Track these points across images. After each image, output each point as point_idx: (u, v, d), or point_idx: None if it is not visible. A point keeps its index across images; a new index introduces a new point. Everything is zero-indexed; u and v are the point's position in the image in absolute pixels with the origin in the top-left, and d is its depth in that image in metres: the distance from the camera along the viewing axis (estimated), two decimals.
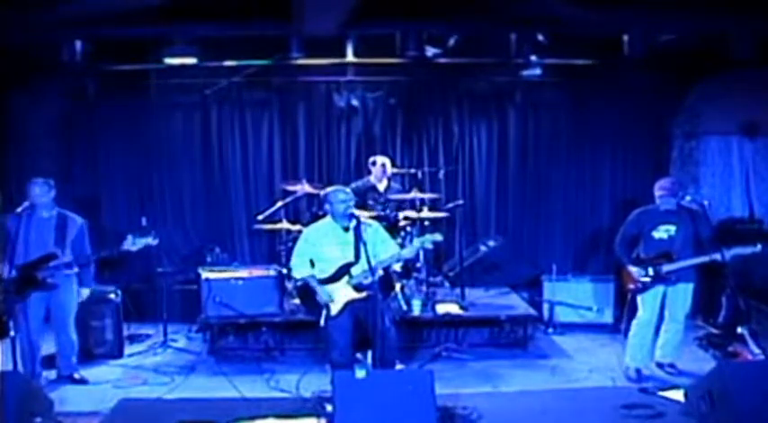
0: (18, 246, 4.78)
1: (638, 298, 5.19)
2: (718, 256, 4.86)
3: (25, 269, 4.76)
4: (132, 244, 4.94)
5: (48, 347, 5.28)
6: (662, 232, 5.10)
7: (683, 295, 5.11)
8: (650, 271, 5.06)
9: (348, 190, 4.77)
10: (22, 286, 4.73)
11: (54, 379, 5.14)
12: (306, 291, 4.84)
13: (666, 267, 5.02)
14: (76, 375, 5.14)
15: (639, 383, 5.03)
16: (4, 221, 4.85)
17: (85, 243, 5.09)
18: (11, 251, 4.73)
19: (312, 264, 4.81)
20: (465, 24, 6.12)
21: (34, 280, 4.78)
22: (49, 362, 5.27)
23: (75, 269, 5.02)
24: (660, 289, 5.10)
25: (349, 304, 4.68)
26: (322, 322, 4.72)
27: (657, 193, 5.12)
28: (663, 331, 5.22)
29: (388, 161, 6.86)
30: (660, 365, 5.27)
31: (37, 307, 4.89)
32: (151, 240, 5.00)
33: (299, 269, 4.78)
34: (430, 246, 4.88)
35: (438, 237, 4.79)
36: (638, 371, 5.16)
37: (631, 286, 5.21)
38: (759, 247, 4.87)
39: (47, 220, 4.96)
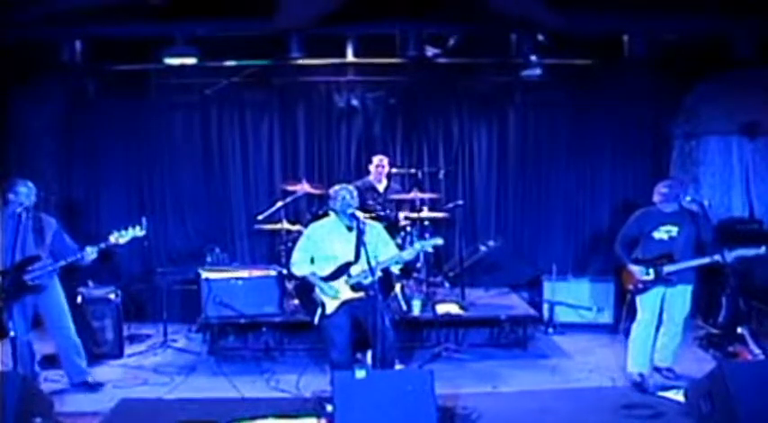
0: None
1: (638, 299, 5.13)
2: (719, 258, 4.81)
3: (11, 273, 4.67)
4: (120, 237, 4.86)
5: (46, 348, 5.28)
6: (662, 233, 5.06)
7: (681, 297, 5.06)
8: (651, 271, 5.04)
9: (352, 189, 4.73)
10: (12, 291, 4.63)
11: (65, 385, 5.06)
12: (303, 289, 4.82)
13: (668, 268, 4.97)
14: (90, 379, 5.05)
15: (642, 385, 5.00)
16: None
17: (67, 240, 4.97)
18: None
19: (312, 261, 4.80)
20: (465, 24, 6.13)
21: (21, 284, 4.68)
22: (48, 362, 5.27)
23: (58, 265, 4.86)
24: (660, 290, 5.04)
25: (346, 303, 4.67)
26: (316, 320, 4.70)
27: (655, 197, 5.09)
28: (661, 334, 5.14)
29: (385, 161, 6.86)
30: (658, 370, 5.19)
31: (26, 310, 4.80)
32: (138, 232, 4.91)
33: (300, 266, 4.76)
34: (430, 249, 4.88)
35: (439, 241, 4.77)
36: (641, 375, 5.10)
37: (630, 287, 5.16)
38: (763, 248, 4.81)
39: (24, 221, 4.80)
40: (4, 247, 4.71)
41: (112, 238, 4.86)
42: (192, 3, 5.61)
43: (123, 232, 4.88)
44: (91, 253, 4.84)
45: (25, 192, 4.82)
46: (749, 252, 4.84)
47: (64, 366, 5.07)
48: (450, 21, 6.01)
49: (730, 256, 4.79)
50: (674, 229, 5.03)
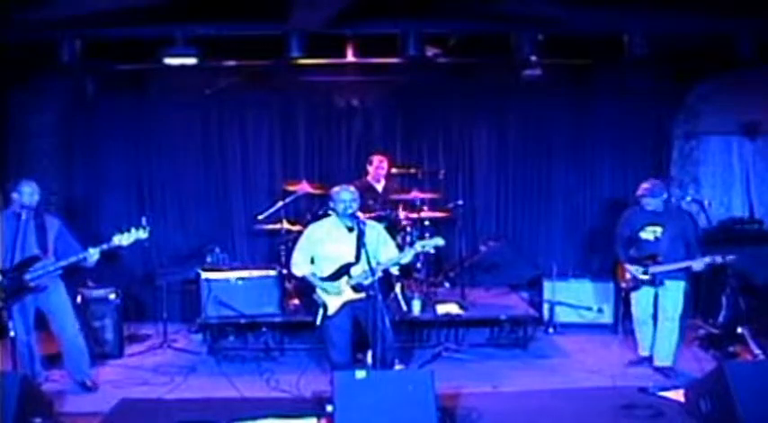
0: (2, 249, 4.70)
1: (632, 296, 5.29)
2: (693, 264, 4.95)
3: (11, 273, 4.65)
4: (123, 238, 4.76)
5: (49, 348, 5.28)
6: (648, 233, 5.15)
7: (672, 293, 5.13)
8: (641, 270, 5.15)
9: (353, 190, 4.72)
10: (11, 291, 4.62)
11: (66, 385, 5.05)
12: (305, 289, 4.82)
13: (652, 269, 5.08)
14: (88, 382, 5.04)
15: (642, 365, 5.17)
16: None
17: (71, 240, 4.91)
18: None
19: (312, 261, 4.79)
20: (465, 24, 6.12)
21: (21, 284, 4.65)
22: (50, 362, 5.26)
23: (59, 265, 4.83)
24: (650, 289, 5.17)
25: (347, 304, 4.67)
26: (318, 321, 4.70)
27: (638, 193, 5.17)
28: (657, 331, 5.22)
29: (384, 160, 6.86)
30: (658, 370, 5.23)
31: (26, 310, 4.77)
32: (142, 234, 4.80)
33: (301, 266, 4.75)
34: (431, 250, 4.85)
35: (440, 241, 4.72)
36: (648, 359, 5.26)
37: (623, 285, 5.32)
38: (732, 256, 4.92)
39: (25, 221, 4.80)
40: (4, 247, 4.70)
41: (116, 240, 4.78)
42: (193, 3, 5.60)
43: (127, 234, 4.79)
44: (93, 254, 4.78)
45: (28, 191, 4.80)
46: (717, 259, 4.93)
47: (66, 366, 5.07)
48: (449, 20, 6.00)
49: (702, 263, 4.90)
50: (659, 230, 5.12)
